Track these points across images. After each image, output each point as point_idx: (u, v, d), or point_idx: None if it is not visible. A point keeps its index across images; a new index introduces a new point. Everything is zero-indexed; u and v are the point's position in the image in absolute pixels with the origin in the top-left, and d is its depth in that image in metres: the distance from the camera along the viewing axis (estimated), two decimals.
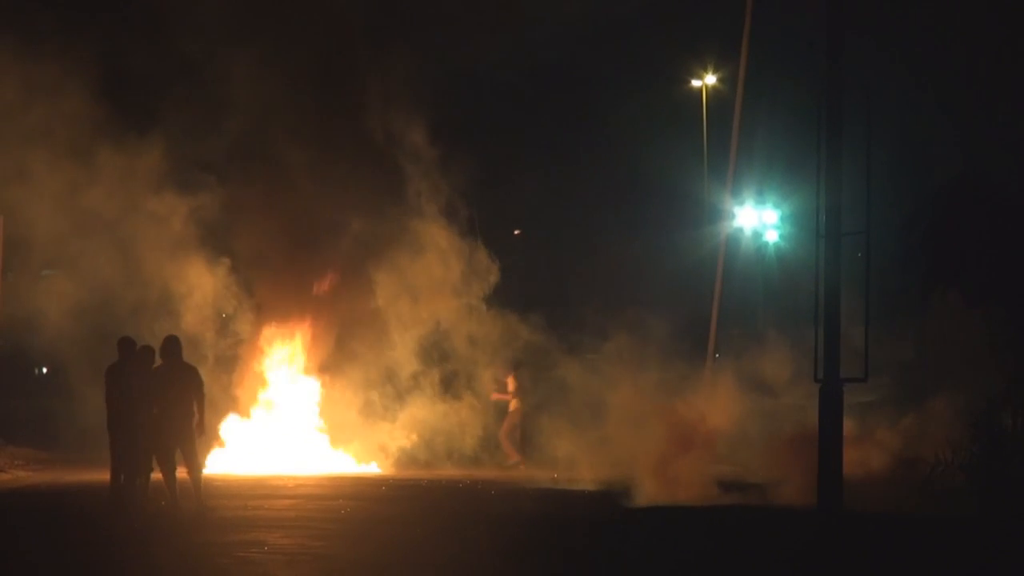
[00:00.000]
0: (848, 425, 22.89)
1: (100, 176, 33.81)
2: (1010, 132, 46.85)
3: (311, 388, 36.63)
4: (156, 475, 24.03)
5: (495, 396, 36.97)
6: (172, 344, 24.22)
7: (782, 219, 53.87)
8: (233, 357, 36.02)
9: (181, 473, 23.92)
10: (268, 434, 35.58)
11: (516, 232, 43.08)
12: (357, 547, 20.48)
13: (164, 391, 23.94)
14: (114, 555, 19.28)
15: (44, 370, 37.29)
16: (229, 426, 35.46)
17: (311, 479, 31.99)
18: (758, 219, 53.43)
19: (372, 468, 35.23)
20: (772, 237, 54.66)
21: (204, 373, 25.48)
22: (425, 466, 35.44)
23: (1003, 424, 20.94)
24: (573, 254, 44.41)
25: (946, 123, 52.39)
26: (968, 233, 21.43)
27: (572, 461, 29.45)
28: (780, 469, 26.18)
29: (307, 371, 36.73)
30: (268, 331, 36.59)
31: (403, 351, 36.51)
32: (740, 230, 49.98)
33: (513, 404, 36.92)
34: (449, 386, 37.00)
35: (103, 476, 24.70)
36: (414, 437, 36.13)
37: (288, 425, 36.00)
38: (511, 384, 37.01)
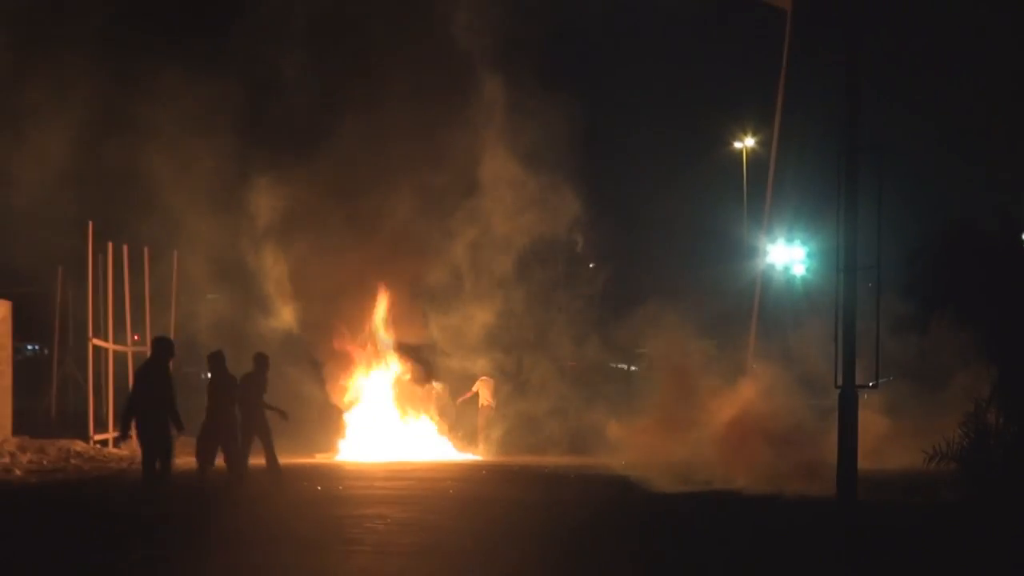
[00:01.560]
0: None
1: (256, 213, 34.14)
2: (993, 184, 46.75)
3: (419, 381, 36.59)
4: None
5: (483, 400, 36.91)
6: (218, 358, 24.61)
7: (808, 255, 53.86)
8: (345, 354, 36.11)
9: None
10: (386, 425, 35.68)
11: (591, 265, 43.07)
12: (462, 519, 20.67)
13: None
14: (270, 525, 19.71)
15: (209, 375, 37.53)
16: (352, 418, 35.57)
17: (422, 464, 32.07)
18: (788, 255, 53.47)
19: (472, 455, 35.28)
20: (800, 270, 54.62)
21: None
22: (517, 452, 35.37)
23: (988, 422, 20.90)
24: (637, 285, 44.42)
25: (943, 176, 52.37)
26: (959, 266, 21.46)
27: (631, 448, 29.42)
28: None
29: (418, 368, 36.65)
30: (375, 327, 36.38)
31: (496, 343, 36.52)
32: (772, 266, 49.94)
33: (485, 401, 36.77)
34: (536, 376, 36.96)
35: (253, 461, 25.16)
36: (505, 425, 36.13)
37: (401, 416, 36.05)
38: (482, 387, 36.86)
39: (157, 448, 20.87)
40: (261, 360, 25.30)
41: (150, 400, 20.83)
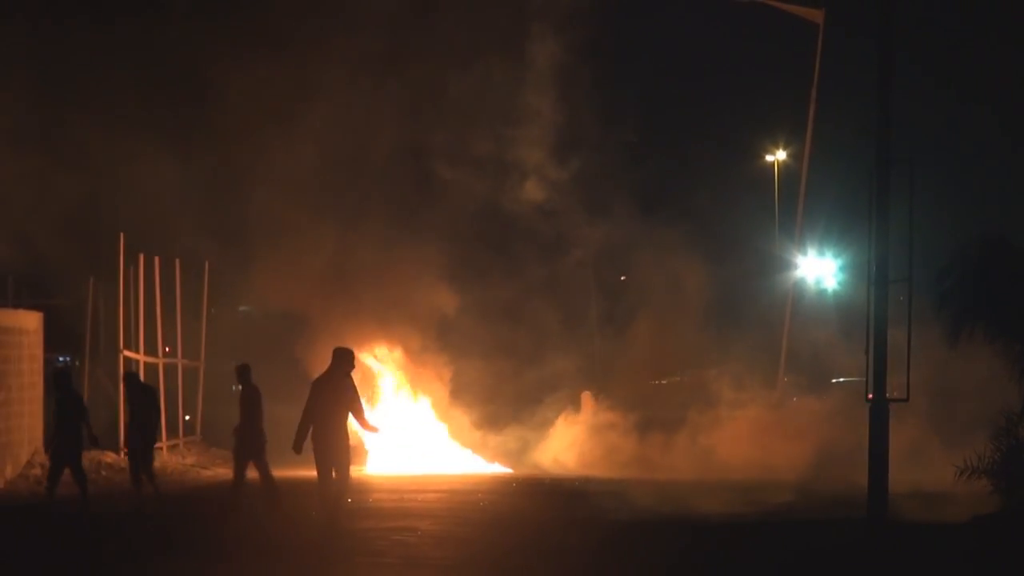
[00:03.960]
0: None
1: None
2: None
3: (445, 395, 36.57)
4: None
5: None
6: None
7: (840, 269, 53.78)
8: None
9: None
10: (415, 438, 35.64)
11: (622, 278, 43.18)
12: (494, 533, 20.77)
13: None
14: (297, 535, 19.82)
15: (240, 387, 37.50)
16: (383, 430, 35.50)
17: (453, 477, 32.11)
18: (819, 268, 53.35)
19: (502, 468, 35.18)
20: (831, 284, 54.51)
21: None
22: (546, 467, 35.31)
23: (1019, 436, 20.86)
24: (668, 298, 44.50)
25: (975, 190, 52.41)
26: (990, 282, 21.40)
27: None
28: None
29: (442, 388, 36.60)
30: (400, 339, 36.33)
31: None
32: (803, 280, 49.85)
33: None
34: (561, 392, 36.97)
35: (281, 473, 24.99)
36: (532, 440, 36.13)
37: (430, 430, 36.05)
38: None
39: (334, 462, 19.90)
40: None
41: (326, 412, 20.04)
